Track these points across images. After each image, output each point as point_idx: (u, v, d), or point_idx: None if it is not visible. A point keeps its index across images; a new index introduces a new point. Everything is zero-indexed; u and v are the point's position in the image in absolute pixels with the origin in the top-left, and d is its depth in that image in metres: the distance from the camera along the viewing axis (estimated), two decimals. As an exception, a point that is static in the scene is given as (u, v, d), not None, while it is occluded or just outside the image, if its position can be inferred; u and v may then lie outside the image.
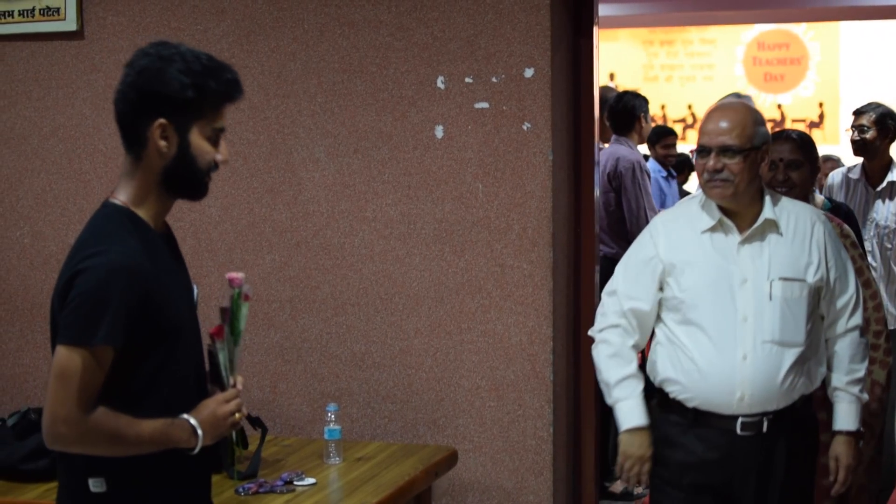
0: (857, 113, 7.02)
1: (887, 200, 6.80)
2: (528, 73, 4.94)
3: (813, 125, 12.03)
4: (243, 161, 5.18)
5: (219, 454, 4.44)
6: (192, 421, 3.16)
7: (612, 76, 13.08)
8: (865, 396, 4.23)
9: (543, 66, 4.93)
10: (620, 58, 13.08)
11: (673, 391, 4.08)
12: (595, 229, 5.27)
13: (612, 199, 6.99)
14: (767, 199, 4.10)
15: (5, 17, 5.49)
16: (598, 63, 5.31)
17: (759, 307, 4.00)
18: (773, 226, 4.07)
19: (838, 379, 4.18)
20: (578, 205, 5.23)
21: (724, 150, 3.98)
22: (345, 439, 4.84)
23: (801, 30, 12.70)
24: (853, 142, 6.98)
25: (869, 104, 7.06)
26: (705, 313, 4.02)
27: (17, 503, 4.33)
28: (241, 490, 4.30)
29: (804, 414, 4.14)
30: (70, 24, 5.42)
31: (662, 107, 12.22)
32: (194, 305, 3.40)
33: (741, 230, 4.06)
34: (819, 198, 5.82)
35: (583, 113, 5.23)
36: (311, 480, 4.41)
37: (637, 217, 6.88)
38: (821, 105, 12.61)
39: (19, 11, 5.46)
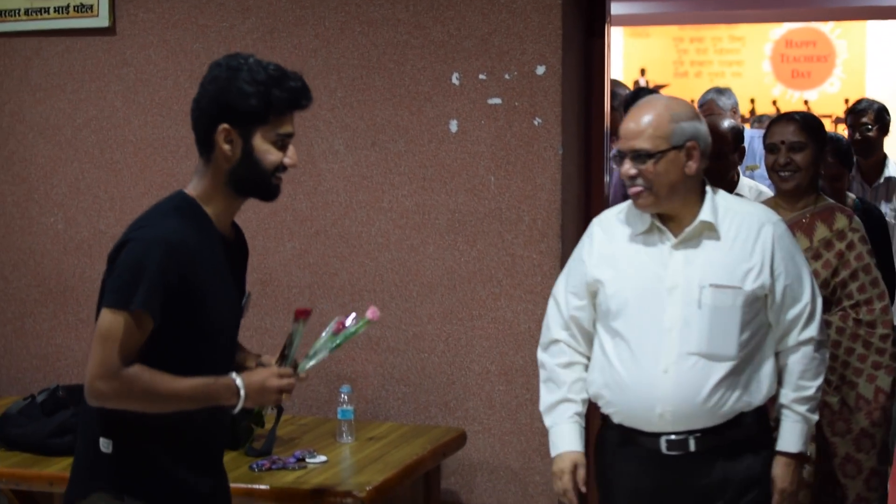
0: (857, 112, 6.89)
1: (885, 197, 6.65)
2: (540, 70, 5.06)
3: (839, 121, 12.09)
4: (266, 152, 5.33)
5: (235, 432, 4.64)
6: (238, 381, 3.33)
7: (643, 71, 13.18)
8: (815, 417, 3.85)
9: (554, 63, 5.05)
10: (651, 54, 13.17)
11: (602, 405, 3.83)
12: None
13: None
14: (709, 199, 3.73)
15: (41, 14, 5.65)
16: (610, 61, 5.43)
17: (687, 316, 3.65)
18: (710, 229, 3.71)
19: (785, 395, 3.82)
20: (588, 197, 5.36)
21: (637, 155, 3.66)
22: (359, 420, 5.00)
23: (828, 28, 12.77)
24: (856, 141, 6.81)
25: (862, 101, 6.95)
26: (629, 322, 3.72)
27: (42, 475, 4.52)
28: (254, 466, 4.45)
29: (752, 432, 3.76)
30: (102, 21, 5.57)
31: (692, 101, 12.33)
32: (240, 310, 3.58)
33: (676, 234, 3.73)
34: (850, 196, 5.76)
35: (593, 109, 5.36)
36: (322, 458, 4.55)
37: None
38: (846, 101, 12.68)
39: (55, 8, 5.63)
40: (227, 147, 3.34)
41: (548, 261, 5.09)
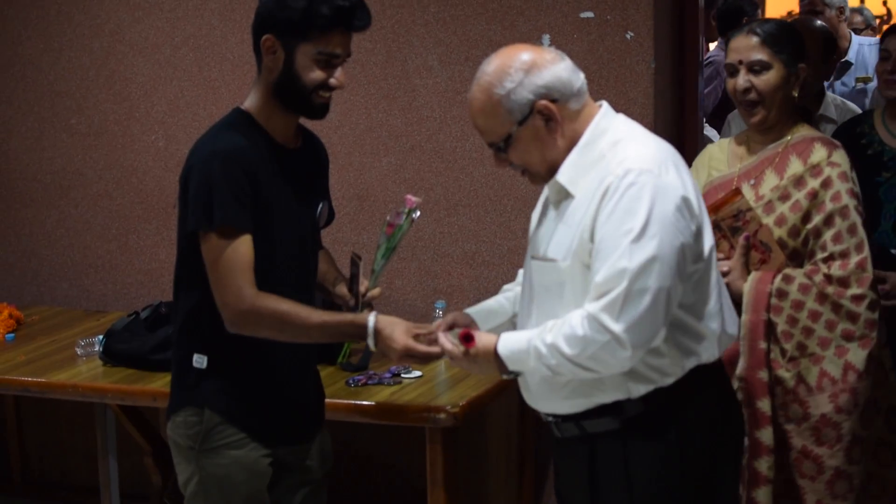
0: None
1: None
2: (632, -18, 5.05)
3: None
4: (361, 69, 5.36)
5: (331, 346, 4.72)
6: (371, 326, 3.36)
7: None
8: (543, 360, 3.06)
9: (646, -25, 5.03)
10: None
11: None
12: (698, 136, 5.37)
13: None
14: (576, 153, 3.15)
15: (137, -67, 5.69)
16: (704, -29, 5.40)
17: (532, 290, 3.25)
18: (564, 191, 3.16)
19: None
20: (682, 110, 5.33)
21: (495, 150, 3.25)
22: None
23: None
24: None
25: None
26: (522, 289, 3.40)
27: (145, 391, 4.66)
28: (351, 382, 4.55)
29: (642, 426, 3.12)
30: (198, -62, 5.60)
31: (789, 13, 12.12)
32: (314, 220, 3.63)
33: None
34: None
35: (687, 22, 5.32)
36: (417, 374, 4.62)
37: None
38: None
39: (150, -72, 5.67)
40: (269, 58, 3.39)
41: (641, 175, 5.06)
